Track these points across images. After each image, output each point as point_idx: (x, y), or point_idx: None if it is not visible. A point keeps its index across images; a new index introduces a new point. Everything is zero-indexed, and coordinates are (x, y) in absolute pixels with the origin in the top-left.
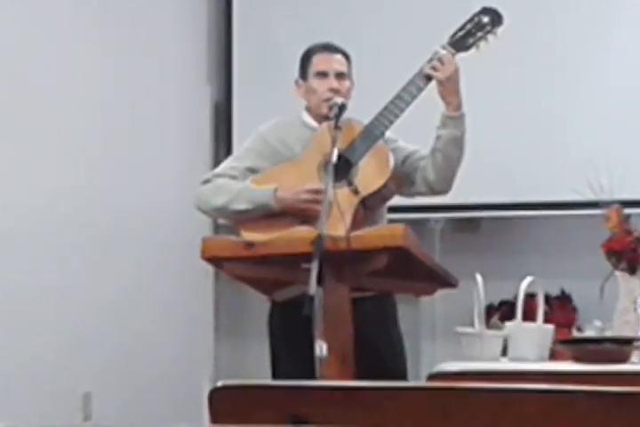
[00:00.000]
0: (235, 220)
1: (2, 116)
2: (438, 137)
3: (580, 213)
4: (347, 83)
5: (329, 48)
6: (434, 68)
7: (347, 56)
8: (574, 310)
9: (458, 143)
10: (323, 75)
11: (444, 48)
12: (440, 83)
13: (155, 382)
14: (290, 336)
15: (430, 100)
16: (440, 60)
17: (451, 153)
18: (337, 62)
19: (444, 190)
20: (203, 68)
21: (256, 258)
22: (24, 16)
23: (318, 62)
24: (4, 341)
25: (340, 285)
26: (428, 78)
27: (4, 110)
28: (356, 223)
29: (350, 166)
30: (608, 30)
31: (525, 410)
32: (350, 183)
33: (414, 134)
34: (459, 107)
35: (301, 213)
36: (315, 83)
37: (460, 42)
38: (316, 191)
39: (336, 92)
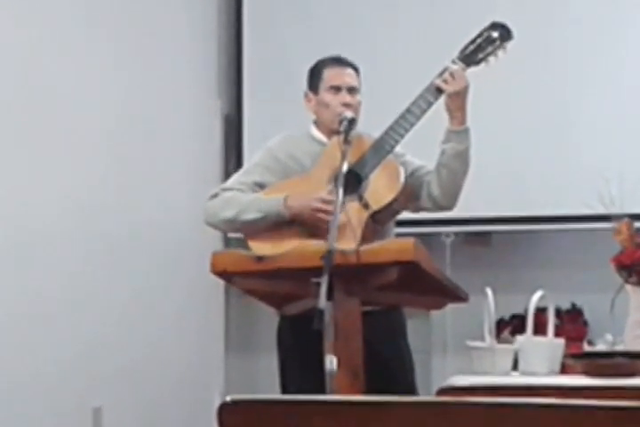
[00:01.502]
0: (245, 232)
1: (15, 127)
2: (442, 152)
3: (590, 227)
4: (358, 97)
5: (340, 62)
6: (445, 82)
7: (357, 70)
8: (585, 323)
9: (462, 157)
10: (335, 89)
11: (454, 62)
12: (449, 96)
13: (165, 397)
14: (299, 350)
15: (438, 114)
16: (451, 74)
17: (455, 167)
18: (349, 76)
19: (449, 206)
20: (213, 81)
21: (266, 272)
22: (39, 28)
23: (331, 77)
24: (13, 353)
25: (350, 299)
26: (439, 92)
27: (17, 121)
28: (366, 238)
29: (360, 181)
30: (620, 41)
31: (536, 424)
32: (361, 198)
33: (421, 149)
34: (463, 121)
35: (310, 222)
36: (327, 97)
37: (470, 57)
38: (327, 201)
39: (348, 106)
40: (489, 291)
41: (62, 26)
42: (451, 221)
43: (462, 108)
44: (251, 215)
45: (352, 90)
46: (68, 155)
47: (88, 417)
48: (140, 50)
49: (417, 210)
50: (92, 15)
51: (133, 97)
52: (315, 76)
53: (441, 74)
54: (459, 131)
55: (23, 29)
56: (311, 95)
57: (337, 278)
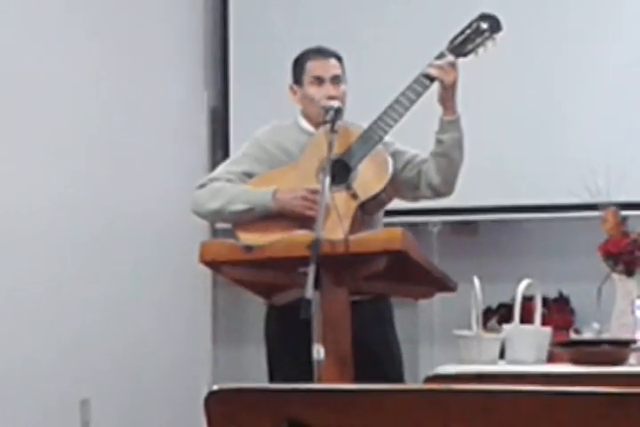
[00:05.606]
0: (232, 222)
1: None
2: (440, 142)
3: (577, 216)
4: (342, 86)
5: (322, 52)
6: (443, 73)
7: (339, 58)
8: (572, 312)
9: (460, 146)
10: (319, 80)
11: (443, 54)
12: (444, 88)
13: (153, 388)
14: (287, 340)
15: (425, 105)
16: (448, 65)
17: (455, 156)
18: (332, 67)
19: (449, 193)
20: (199, 73)
21: (254, 262)
22: (21, 23)
23: (313, 68)
24: (1, 347)
25: (338, 288)
26: (431, 83)
27: (1, 114)
28: (355, 227)
29: (349, 171)
30: (607, 32)
31: (522, 411)
32: (349, 187)
33: (409, 138)
34: (455, 110)
35: (299, 215)
36: (311, 89)
37: (459, 48)
38: (316, 192)
39: (333, 98)
40: (476, 280)
41: (45, 17)
42: (437, 211)
43: (454, 98)
44: (238, 206)
45: (335, 79)
46: (53, 147)
47: (76, 409)
48: (127, 42)
49: (416, 199)
50: (76, 6)
51: (119, 90)
52: (298, 68)
53: (430, 65)
54: (454, 120)
55: (5, 20)
56: (296, 88)
57: (325, 268)
